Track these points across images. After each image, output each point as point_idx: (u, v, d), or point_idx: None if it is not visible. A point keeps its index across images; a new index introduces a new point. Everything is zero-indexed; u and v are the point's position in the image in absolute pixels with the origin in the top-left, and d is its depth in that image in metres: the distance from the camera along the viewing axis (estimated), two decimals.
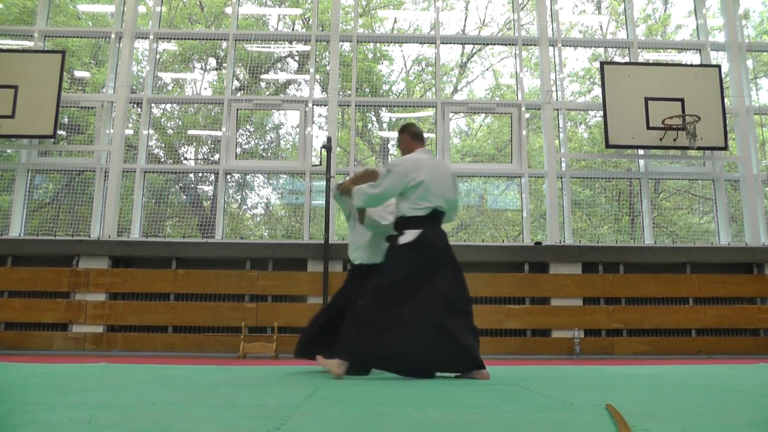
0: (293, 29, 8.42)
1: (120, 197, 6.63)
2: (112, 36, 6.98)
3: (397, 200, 3.38)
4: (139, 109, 6.96)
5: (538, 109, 7.06)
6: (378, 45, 7.96)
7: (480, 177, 7.28)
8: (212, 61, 8.22)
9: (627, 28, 7.36)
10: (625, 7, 7.52)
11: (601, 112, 6.79)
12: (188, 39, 7.59)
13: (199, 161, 7.90)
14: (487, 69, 8.51)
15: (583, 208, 7.36)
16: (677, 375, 3.56)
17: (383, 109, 7.87)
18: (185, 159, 7.88)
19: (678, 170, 7.05)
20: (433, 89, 7.29)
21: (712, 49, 7.20)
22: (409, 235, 3.24)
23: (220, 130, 6.87)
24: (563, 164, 6.96)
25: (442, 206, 3.34)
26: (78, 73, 7.30)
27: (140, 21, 7.23)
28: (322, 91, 7.40)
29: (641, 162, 7.00)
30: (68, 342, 5.98)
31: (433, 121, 7.10)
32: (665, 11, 8.47)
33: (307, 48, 7.23)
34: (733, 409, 2.02)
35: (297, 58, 7.78)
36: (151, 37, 7.04)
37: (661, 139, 6.55)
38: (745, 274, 6.45)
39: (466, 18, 8.35)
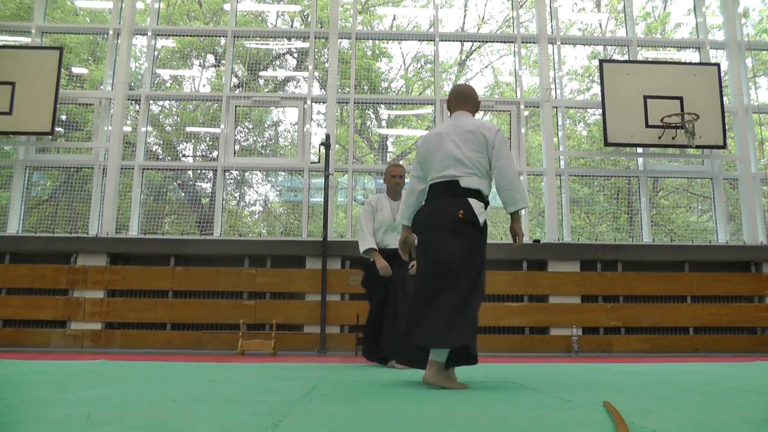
0: (292, 26, 8.40)
1: (118, 194, 6.61)
2: (110, 32, 6.95)
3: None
4: (138, 106, 6.94)
5: (537, 106, 7.05)
6: (377, 42, 7.95)
7: None
8: (211, 58, 8.20)
9: (626, 25, 7.35)
10: (624, 5, 7.51)
11: (600, 110, 6.78)
12: (187, 36, 7.55)
13: (197, 158, 7.88)
14: (486, 66, 8.51)
15: (581, 206, 7.36)
16: (675, 373, 3.57)
17: (382, 106, 7.86)
18: (184, 156, 7.87)
19: (676, 168, 7.05)
20: (432, 86, 7.28)
21: (711, 48, 7.19)
22: None
23: (219, 127, 6.85)
24: (562, 162, 6.95)
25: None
26: (76, 70, 7.27)
27: (138, 17, 7.21)
28: (321, 89, 7.38)
29: (640, 160, 7.00)
30: (66, 339, 5.97)
31: (432, 118, 7.09)
32: (665, 9, 8.46)
33: (305, 45, 7.21)
34: (730, 406, 2.02)
35: (296, 55, 7.76)
36: (150, 33, 7.01)
37: (659, 138, 6.55)
38: (742, 273, 6.46)
39: (465, 15, 8.35)
